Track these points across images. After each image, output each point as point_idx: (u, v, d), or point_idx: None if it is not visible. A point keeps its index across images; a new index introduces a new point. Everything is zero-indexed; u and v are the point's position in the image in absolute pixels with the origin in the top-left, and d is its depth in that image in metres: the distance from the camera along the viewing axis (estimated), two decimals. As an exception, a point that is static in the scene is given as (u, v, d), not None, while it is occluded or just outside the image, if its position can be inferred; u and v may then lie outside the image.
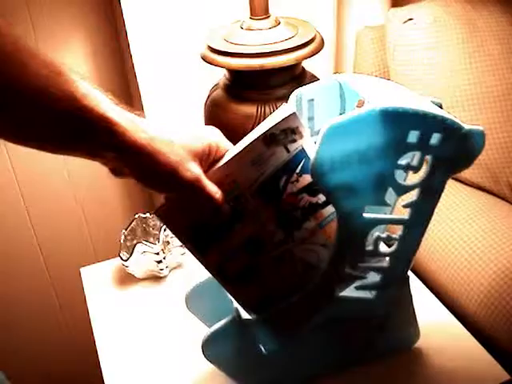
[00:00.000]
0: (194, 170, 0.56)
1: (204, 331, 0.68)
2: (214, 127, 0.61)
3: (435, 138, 0.58)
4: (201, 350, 0.66)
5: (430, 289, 0.90)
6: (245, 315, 0.65)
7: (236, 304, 0.68)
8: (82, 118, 0.50)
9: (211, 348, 0.65)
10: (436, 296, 0.88)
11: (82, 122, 0.50)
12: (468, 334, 0.81)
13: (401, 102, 0.57)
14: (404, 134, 0.57)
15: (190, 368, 0.78)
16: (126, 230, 0.97)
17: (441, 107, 0.61)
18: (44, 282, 1.36)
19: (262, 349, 0.67)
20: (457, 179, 1.01)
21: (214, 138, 0.60)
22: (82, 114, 0.50)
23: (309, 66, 0.77)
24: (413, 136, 0.57)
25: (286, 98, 0.67)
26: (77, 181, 1.28)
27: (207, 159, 0.59)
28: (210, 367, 0.70)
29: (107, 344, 0.86)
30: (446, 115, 0.58)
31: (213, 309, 0.71)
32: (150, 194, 1.34)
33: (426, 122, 0.57)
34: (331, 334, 0.69)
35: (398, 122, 0.56)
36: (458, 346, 0.79)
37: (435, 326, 0.81)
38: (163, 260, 0.94)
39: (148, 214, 1.00)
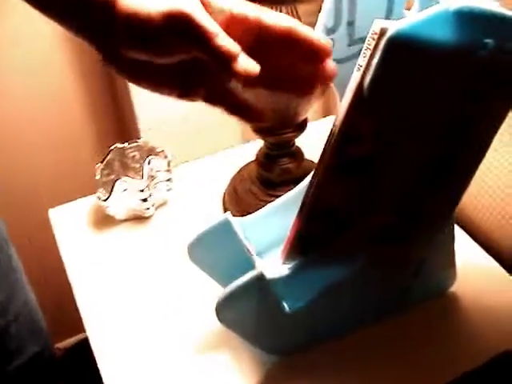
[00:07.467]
0: None
1: (198, 277, 0.61)
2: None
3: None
4: (215, 312, 0.54)
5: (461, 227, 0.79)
6: (268, 271, 0.54)
7: (256, 257, 0.57)
8: None
9: (228, 310, 0.54)
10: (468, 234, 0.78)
11: None
12: (503, 271, 0.72)
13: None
14: (476, 43, 0.44)
15: (178, 315, 0.69)
16: (101, 163, 0.83)
17: None
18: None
19: (286, 307, 0.56)
20: None
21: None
22: None
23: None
24: (485, 46, 0.45)
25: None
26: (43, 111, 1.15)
27: None
28: (199, 313, 0.62)
29: (87, 295, 0.74)
30: None
31: (223, 261, 0.59)
32: (124, 121, 1.20)
33: (503, 27, 0.45)
34: (365, 284, 0.59)
35: (471, 27, 0.43)
36: (494, 286, 0.70)
37: (470, 267, 0.71)
38: (149, 198, 0.81)
39: (126, 144, 0.85)
